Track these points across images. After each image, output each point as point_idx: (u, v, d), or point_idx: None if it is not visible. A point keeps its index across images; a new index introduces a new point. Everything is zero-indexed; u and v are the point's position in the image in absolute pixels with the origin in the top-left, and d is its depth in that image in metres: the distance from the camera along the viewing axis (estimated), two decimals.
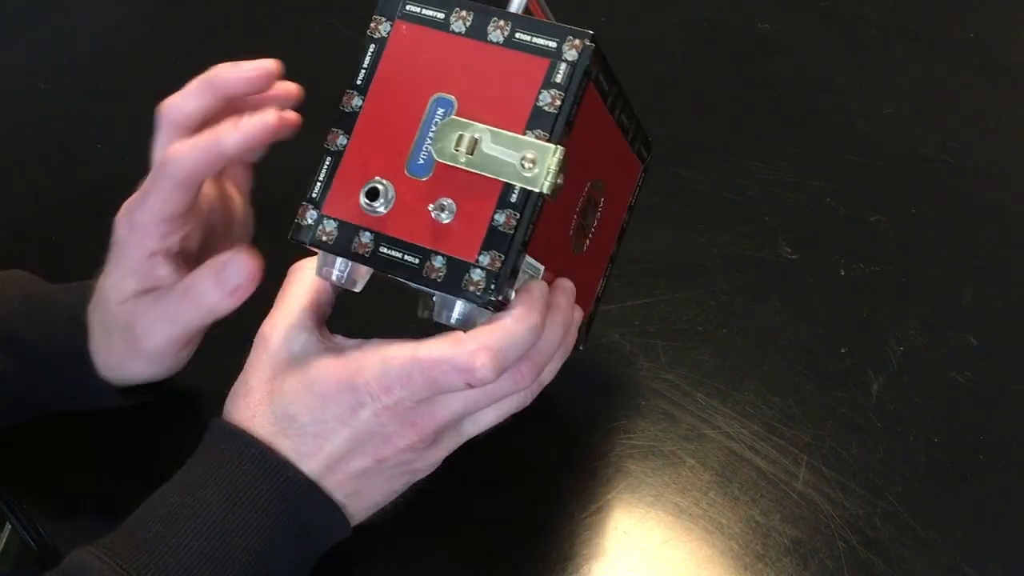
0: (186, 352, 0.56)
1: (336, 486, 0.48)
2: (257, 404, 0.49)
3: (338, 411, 0.47)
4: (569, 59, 0.45)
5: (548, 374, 0.51)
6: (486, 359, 0.44)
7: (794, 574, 0.56)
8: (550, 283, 0.50)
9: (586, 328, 0.59)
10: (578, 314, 0.52)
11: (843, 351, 0.69)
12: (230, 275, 0.50)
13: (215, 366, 0.53)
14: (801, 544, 0.58)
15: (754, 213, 0.78)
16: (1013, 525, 0.60)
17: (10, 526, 0.60)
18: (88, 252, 0.60)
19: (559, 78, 0.45)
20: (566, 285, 0.50)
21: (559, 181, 0.44)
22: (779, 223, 0.77)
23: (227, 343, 0.52)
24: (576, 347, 0.58)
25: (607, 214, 0.56)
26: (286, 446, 0.48)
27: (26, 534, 0.58)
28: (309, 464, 0.48)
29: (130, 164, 0.79)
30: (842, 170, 0.82)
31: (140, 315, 0.52)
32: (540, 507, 0.59)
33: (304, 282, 0.51)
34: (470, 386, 0.45)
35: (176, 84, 0.86)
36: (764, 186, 0.80)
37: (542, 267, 0.48)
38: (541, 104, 0.45)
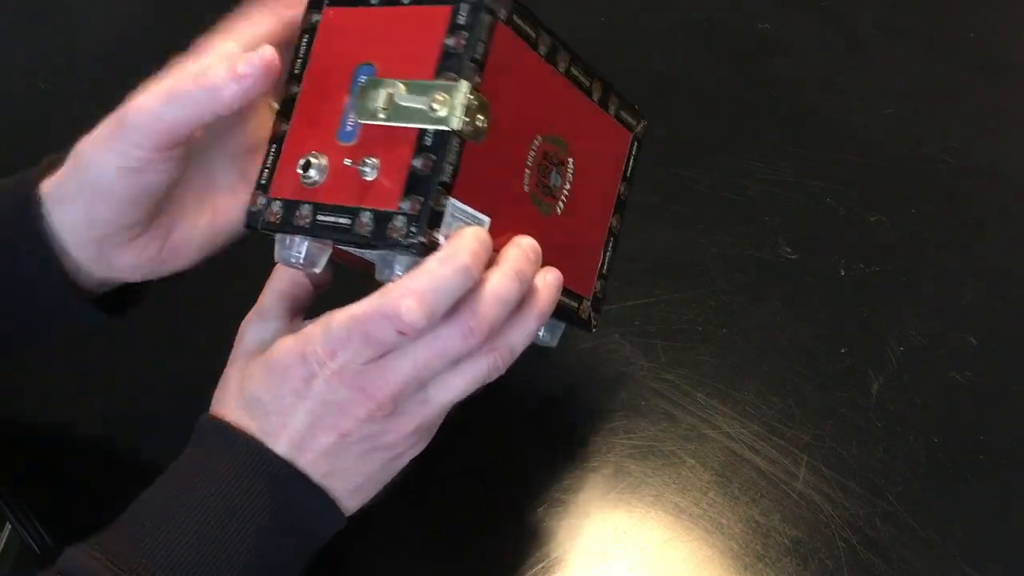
0: (158, 245, 0.51)
1: (309, 466, 0.48)
2: (230, 392, 0.49)
3: (293, 385, 0.47)
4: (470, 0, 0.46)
5: (518, 336, 0.49)
6: (411, 301, 0.44)
7: (794, 574, 0.56)
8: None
9: (592, 307, 0.57)
10: (552, 276, 0.50)
11: (843, 351, 0.69)
12: (246, 59, 0.46)
13: (212, 367, 0.53)
14: (801, 544, 0.58)
15: (754, 213, 0.78)
16: (1013, 525, 0.60)
17: (10, 526, 0.60)
18: None
19: (462, 20, 0.46)
20: (522, 240, 0.49)
21: (479, 123, 0.45)
22: (779, 223, 0.77)
23: (224, 344, 0.52)
24: (586, 326, 0.57)
25: (588, 180, 0.55)
26: (253, 428, 0.48)
27: (26, 534, 0.58)
28: (277, 445, 0.47)
29: None
30: (842, 170, 0.82)
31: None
32: (540, 507, 0.59)
33: (279, 276, 0.52)
34: (403, 334, 0.44)
35: None
36: (764, 186, 0.80)
37: (487, 218, 0.48)
38: (448, 48, 0.46)
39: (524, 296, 0.48)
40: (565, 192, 0.53)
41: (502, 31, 0.47)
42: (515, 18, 0.47)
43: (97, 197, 0.49)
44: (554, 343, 0.57)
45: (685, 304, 0.71)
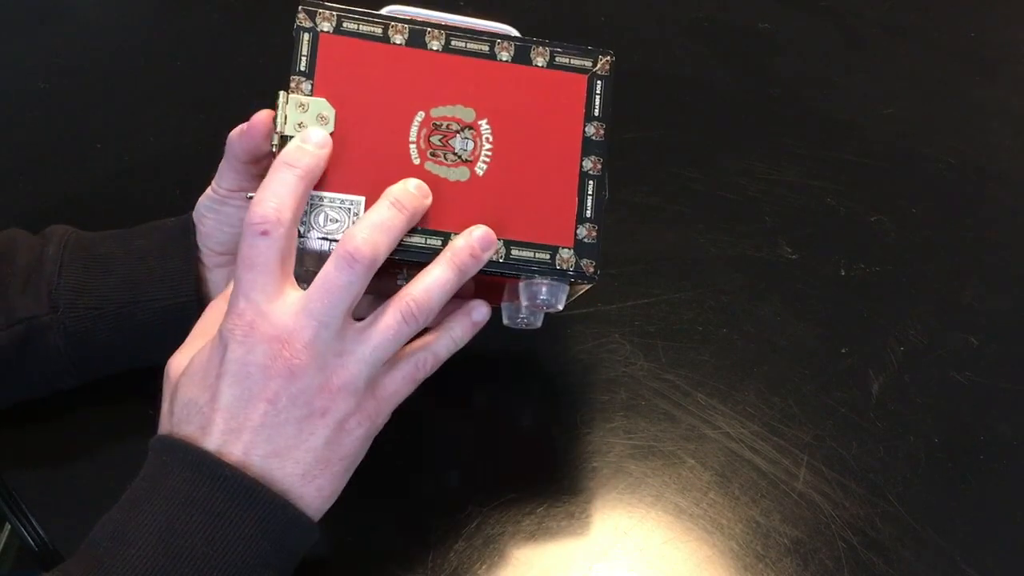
0: None
1: (248, 450, 0.47)
2: (165, 414, 0.51)
3: (215, 366, 0.48)
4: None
5: (427, 283, 0.51)
6: (256, 207, 0.48)
7: (794, 574, 0.56)
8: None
9: (579, 254, 0.56)
10: (479, 231, 0.53)
11: (843, 351, 0.69)
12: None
13: None
14: (801, 544, 0.58)
15: (754, 213, 0.78)
16: (1013, 525, 0.60)
17: (10, 526, 0.60)
18: None
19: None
20: (407, 180, 0.53)
21: (321, 120, 0.52)
22: (779, 223, 0.77)
23: None
24: (580, 277, 0.56)
25: (523, 134, 0.56)
26: (191, 431, 0.48)
27: (26, 534, 0.58)
28: (210, 438, 0.48)
29: (130, 164, 0.80)
30: (842, 170, 0.82)
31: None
32: (539, 507, 0.59)
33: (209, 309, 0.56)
34: (266, 233, 0.48)
35: (176, 84, 0.86)
36: (764, 186, 0.80)
37: (361, 198, 0.52)
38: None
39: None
40: (485, 153, 0.55)
41: (329, 41, 0.54)
42: (345, 25, 0.54)
43: (199, 216, 0.59)
44: (559, 306, 0.56)
45: (685, 304, 0.71)
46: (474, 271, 0.53)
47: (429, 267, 0.52)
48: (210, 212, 0.58)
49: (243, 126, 0.55)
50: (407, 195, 0.52)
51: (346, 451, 0.50)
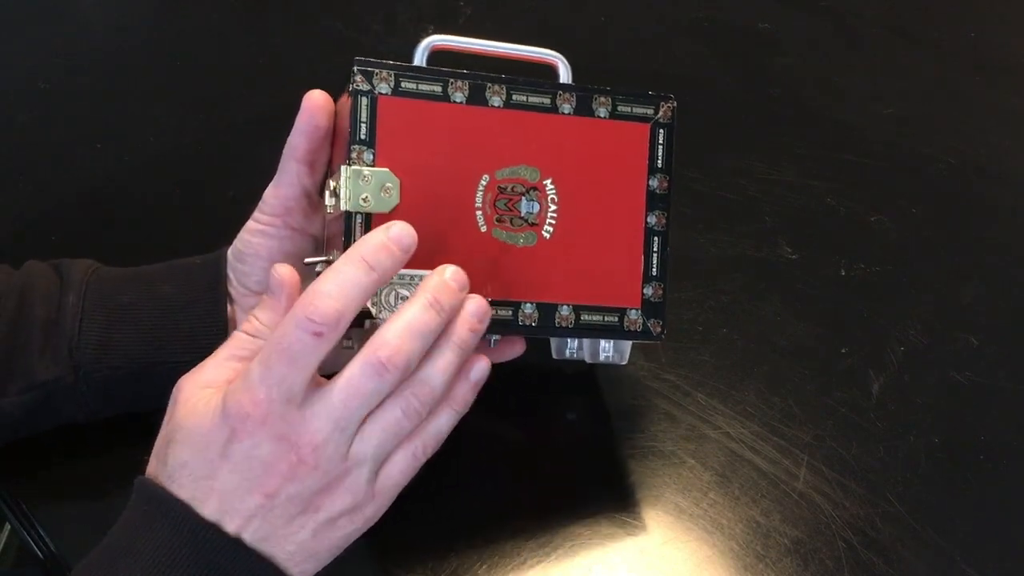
0: None
1: (239, 532, 0.46)
2: (159, 458, 0.48)
3: (217, 444, 0.46)
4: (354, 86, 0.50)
5: (433, 371, 0.47)
6: (314, 299, 0.44)
7: (794, 574, 0.56)
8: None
9: (646, 314, 0.56)
10: (473, 304, 0.49)
11: (843, 351, 0.69)
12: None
13: None
14: (801, 544, 0.58)
15: (754, 213, 0.78)
16: (1013, 525, 0.60)
17: (10, 526, 0.60)
18: (88, 252, 0.60)
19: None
20: (445, 268, 0.49)
21: (385, 195, 0.50)
22: (779, 223, 0.77)
23: None
24: (646, 336, 0.56)
25: (588, 191, 0.55)
26: (183, 495, 0.46)
27: (26, 534, 0.58)
28: (203, 508, 0.46)
29: (130, 164, 0.80)
30: (842, 170, 0.82)
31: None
32: (540, 507, 0.59)
33: (232, 343, 0.51)
34: (319, 335, 0.44)
35: (176, 84, 0.86)
36: (764, 186, 0.80)
37: (428, 272, 0.49)
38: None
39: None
40: (551, 215, 0.54)
41: (388, 104, 0.51)
42: (403, 85, 0.51)
43: (236, 254, 0.57)
44: (623, 360, 0.59)
45: (685, 304, 0.71)
46: (475, 344, 0.50)
47: (429, 355, 0.48)
48: (248, 247, 0.56)
49: (301, 119, 0.53)
50: (446, 293, 0.48)
51: (333, 543, 0.48)
